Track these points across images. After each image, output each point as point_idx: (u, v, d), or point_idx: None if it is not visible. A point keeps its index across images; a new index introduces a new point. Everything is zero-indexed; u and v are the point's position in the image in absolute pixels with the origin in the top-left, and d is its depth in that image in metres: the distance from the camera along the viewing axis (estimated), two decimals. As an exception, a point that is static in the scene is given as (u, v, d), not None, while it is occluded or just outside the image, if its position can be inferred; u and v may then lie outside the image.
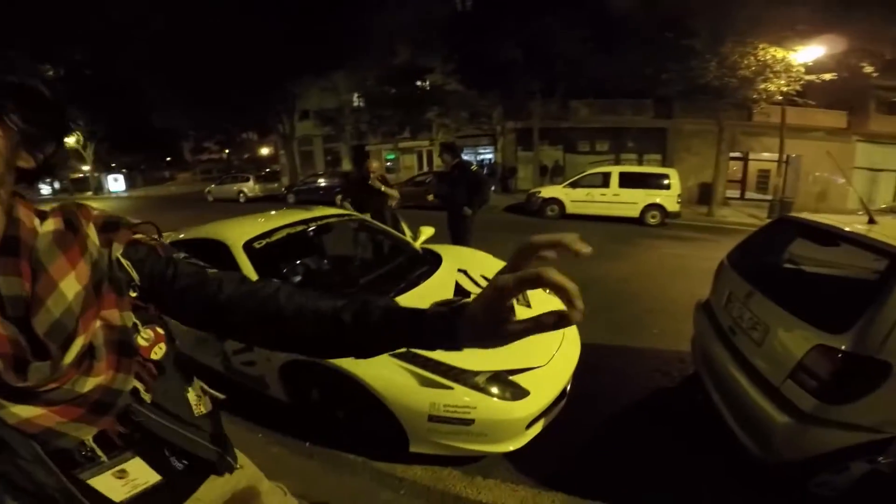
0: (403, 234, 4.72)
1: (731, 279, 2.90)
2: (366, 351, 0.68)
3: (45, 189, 28.88)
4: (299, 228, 3.43)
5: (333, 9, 17.23)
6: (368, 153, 24.70)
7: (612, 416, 3.07)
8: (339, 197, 5.99)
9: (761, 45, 11.07)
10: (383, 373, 2.30)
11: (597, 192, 12.13)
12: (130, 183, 32.93)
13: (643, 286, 5.99)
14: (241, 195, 20.02)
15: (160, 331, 0.74)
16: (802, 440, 1.97)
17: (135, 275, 0.71)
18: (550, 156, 20.20)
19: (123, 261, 0.70)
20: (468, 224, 5.52)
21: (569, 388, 2.73)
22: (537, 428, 2.42)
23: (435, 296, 2.95)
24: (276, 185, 21.31)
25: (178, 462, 0.77)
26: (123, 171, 33.93)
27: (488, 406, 2.26)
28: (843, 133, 16.62)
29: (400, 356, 2.31)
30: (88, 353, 0.62)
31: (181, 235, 3.49)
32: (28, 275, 0.58)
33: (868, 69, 11.04)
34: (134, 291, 0.71)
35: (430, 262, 3.53)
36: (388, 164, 24.96)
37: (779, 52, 11.06)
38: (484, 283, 3.34)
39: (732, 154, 17.39)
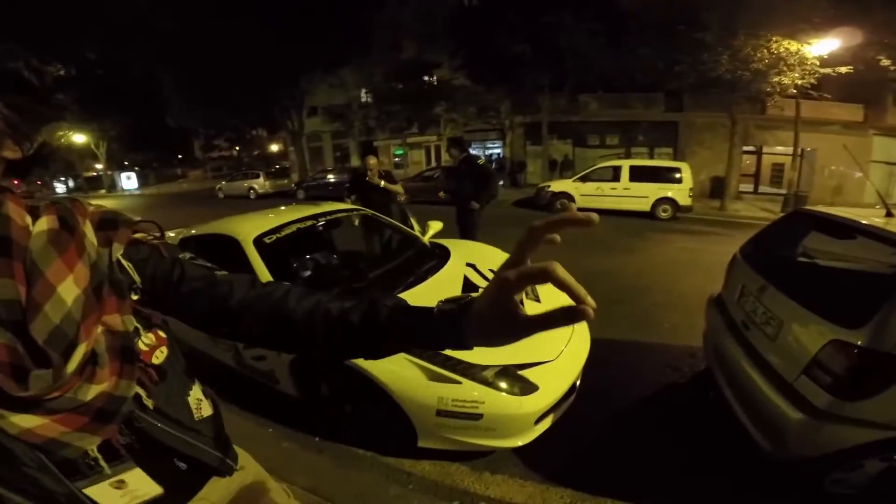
0: (412, 228, 4.72)
1: (744, 273, 2.85)
2: (376, 352, 0.68)
3: (59, 187, 29.37)
4: (308, 224, 3.45)
5: (339, 5, 17.23)
6: (376, 148, 24.72)
7: (623, 411, 3.05)
8: (346, 193, 5.99)
9: (774, 38, 10.85)
10: (391, 367, 2.31)
11: (607, 186, 12.03)
12: (143, 181, 33.32)
13: (654, 280, 5.94)
14: (252, 192, 20.18)
15: (161, 334, 0.73)
16: (816, 437, 1.93)
17: (136, 277, 0.69)
18: (560, 150, 20.02)
19: (124, 262, 0.67)
20: (475, 218, 5.53)
21: (578, 383, 2.71)
22: (547, 423, 2.41)
23: (444, 290, 2.92)
24: (286, 181, 21.43)
25: (181, 463, 0.75)
26: (136, 169, 34.32)
27: (496, 401, 2.25)
28: (859, 127, 16.28)
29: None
30: (91, 359, 0.60)
31: (192, 231, 3.53)
32: (21, 277, 0.55)
33: (885, 62, 10.79)
34: (135, 294, 0.68)
35: (439, 257, 3.53)
36: (397, 159, 24.99)
37: (793, 45, 10.84)
38: (492, 277, 3.33)
39: (746, 148, 17.13)
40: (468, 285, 3.10)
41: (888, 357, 1.77)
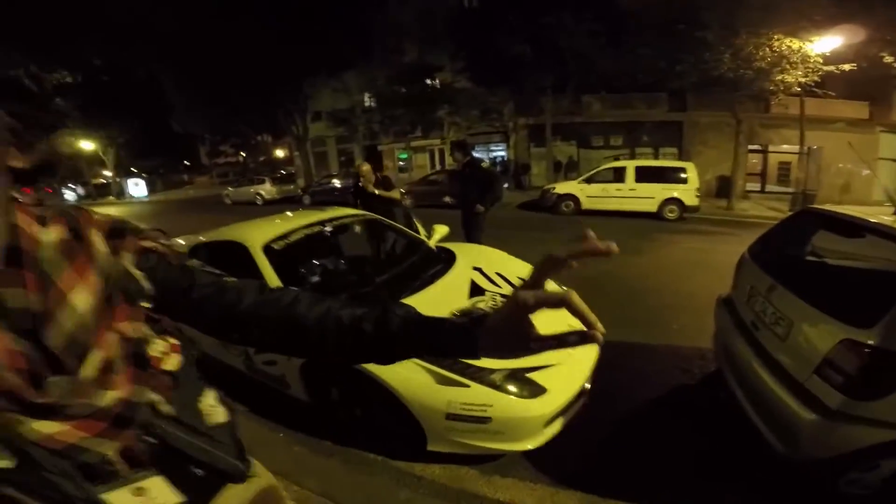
0: (418, 233, 4.72)
1: (753, 273, 2.84)
2: (388, 358, 0.69)
3: (69, 195, 29.64)
4: (316, 229, 3.48)
5: (339, 5, 17.32)
6: (380, 153, 24.78)
7: (633, 413, 3.03)
8: (352, 199, 5.98)
9: (776, 36, 10.82)
10: (401, 371, 2.31)
11: (612, 188, 11.99)
12: (150, 187, 33.59)
13: (662, 281, 5.92)
14: (259, 197, 20.26)
15: (173, 341, 0.73)
16: (829, 437, 1.92)
17: (147, 284, 0.69)
18: (564, 151, 20.00)
19: (134, 270, 0.68)
20: (479, 221, 5.50)
21: (588, 385, 2.71)
22: (557, 426, 2.40)
23: (450, 293, 2.93)
24: (292, 186, 21.51)
25: (197, 470, 0.75)
26: (143, 175, 34.62)
27: (505, 404, 2.25)
28: (865, 124, 16.17)
29: (417, 354, 2.32)
30: (106, 365, 0.60)
31: (201, 238, 3.56)
32: (33, 286, 0.55)
33: (889, 59, 10.71)
34: (146, 301, 0.69)
35: (445, 261, 3.53)
36: (402, 163, 25.03)
37: (795, 43, 10.80)
38: (499, 281, 3.35)
39: (751, 146, 17.02)
40: (475, 289, 3.10)
41: (901, 356, 1.75)
